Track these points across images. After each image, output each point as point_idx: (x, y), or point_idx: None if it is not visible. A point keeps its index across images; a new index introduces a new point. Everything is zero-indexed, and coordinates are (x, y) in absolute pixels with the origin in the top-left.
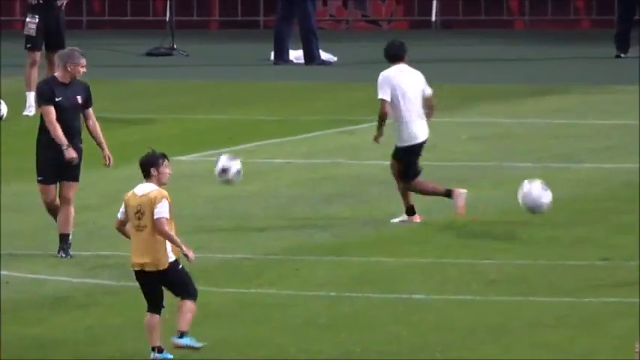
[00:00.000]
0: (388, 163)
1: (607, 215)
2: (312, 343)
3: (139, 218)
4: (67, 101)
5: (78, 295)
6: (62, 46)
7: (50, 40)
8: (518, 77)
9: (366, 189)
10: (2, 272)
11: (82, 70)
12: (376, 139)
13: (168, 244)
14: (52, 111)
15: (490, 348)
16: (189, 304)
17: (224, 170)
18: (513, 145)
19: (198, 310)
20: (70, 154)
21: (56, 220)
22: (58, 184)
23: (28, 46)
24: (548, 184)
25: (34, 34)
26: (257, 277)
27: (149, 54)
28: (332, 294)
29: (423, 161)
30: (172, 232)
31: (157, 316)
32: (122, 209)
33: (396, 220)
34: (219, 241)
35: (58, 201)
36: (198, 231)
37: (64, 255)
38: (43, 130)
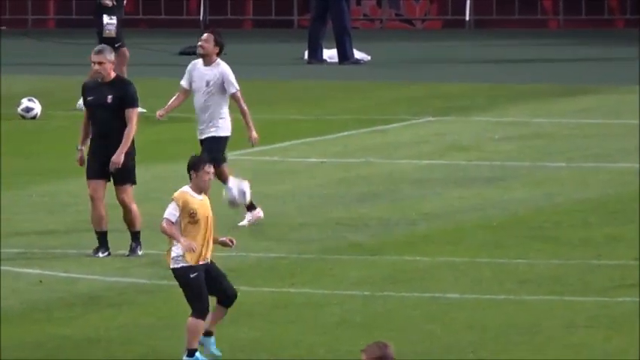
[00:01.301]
0: (422, 162)
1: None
2: (346, 343)
3: None
4: (97, 101)
5: (111, 294)
6: (122, 45)
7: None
8: (551, 77)
9: (399, 188)
10: (36, 271)
11: (96, 67)
12: None
13: (174, 249)
14: (85, 112)
15: (523, 348)
16: (188, 320)
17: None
18: (546, 145)
19: (232, 309)
20: (77, 155)
21: (92, 221)
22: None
23: (117, 45)
24: (581, 183)
25: (114, 35)
26: (291, 277)
27: (182, 53)
28: (365, 293)
29: (457, 161)
30: (175, 232)
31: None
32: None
33: (245, 222)
34: (252, 241)
35: (103, 204)
36: (233, 230)
37: (128, 253)
38: None
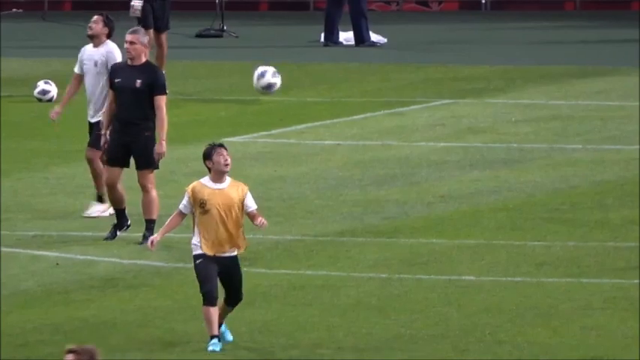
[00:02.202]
0: (439, 144)
1: None
2: (362, 325)
3: None
4: (125, 84)
5: (128, 277)
6: (167, 27)
7: (157, 21)
8: (567, 58)
9: (416, 170)
10: (54, 254)
11: (127, 46)
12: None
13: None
14: (110, 95)
15: (539, 330)
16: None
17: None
18: (563, 127)
19: (249, 292)
20: (102, 141)
21: (111, 202)
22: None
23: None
24: (597, 165)
25: (139, 15)
26: (307, 259)
27: (199, 35)
28: (382, 276)
29: (474, 143)
30: (169, 221)
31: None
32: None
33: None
34: (269, 223)
35: (120, 185)
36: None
37: (141, 242)
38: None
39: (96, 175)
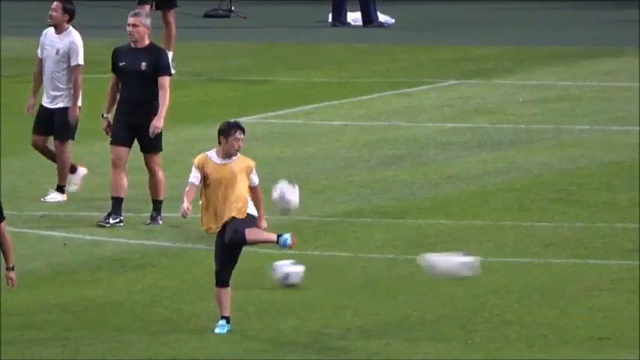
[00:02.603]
0: (447, 125)
1: None
2: (369, 306)
3: None
4: (130, 67)
5: (135, 257)
6: (174, 5)
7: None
8: (576, 40)
9: (424, 151)
10: (61, 234)
11: (129, 29)
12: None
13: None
14: (112, 78)
15: (547, 311)
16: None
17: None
18: (571, 108)
19: (254, 272)
20: (104, 124)
21: (112, 188)
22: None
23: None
24: (605, 146)
25: None
26: (315, 240)
27: (207, 16)
28: (389, 256)
29: (481, 124)
30: (187, 193)
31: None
32: None
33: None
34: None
35: (125, 171)
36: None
37: (148, 222)
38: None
39: (61, 167)
